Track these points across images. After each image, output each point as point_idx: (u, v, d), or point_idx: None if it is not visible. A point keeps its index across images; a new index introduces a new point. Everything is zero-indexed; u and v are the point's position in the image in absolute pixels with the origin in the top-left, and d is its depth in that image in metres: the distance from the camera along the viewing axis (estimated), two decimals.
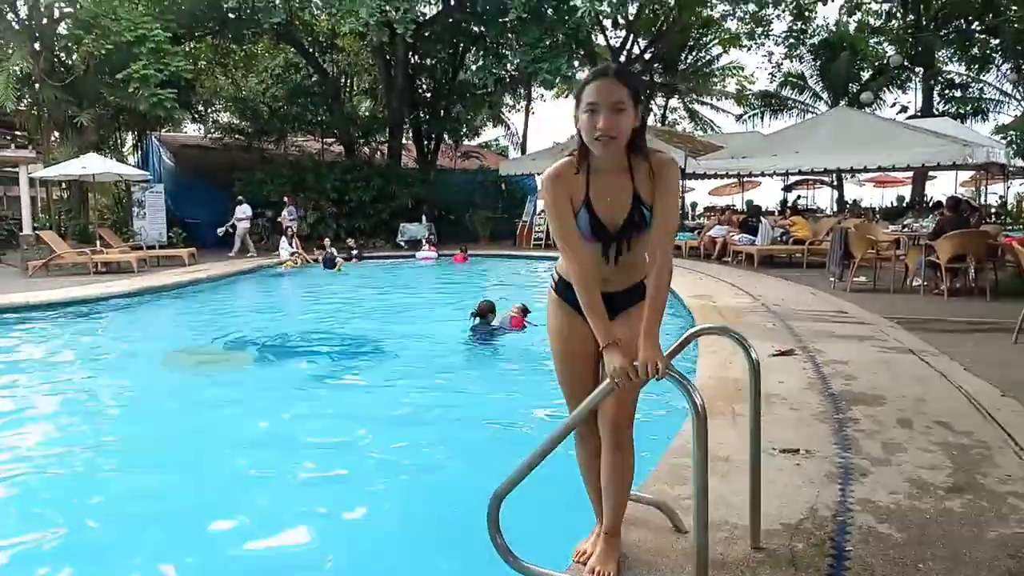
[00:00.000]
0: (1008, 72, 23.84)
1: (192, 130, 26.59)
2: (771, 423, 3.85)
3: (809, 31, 26.33)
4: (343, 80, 24.71)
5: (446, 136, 24.32)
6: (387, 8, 14.79)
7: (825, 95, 26.93)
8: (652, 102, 31.25)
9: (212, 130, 23.08)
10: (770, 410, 4.12)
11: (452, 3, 19.25)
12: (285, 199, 17.76)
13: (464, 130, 27.56)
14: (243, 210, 17.51)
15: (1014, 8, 18.91)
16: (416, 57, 22.74)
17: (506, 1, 15.12)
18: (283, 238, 16.55)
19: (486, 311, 7.46)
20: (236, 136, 22.01)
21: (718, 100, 32.13)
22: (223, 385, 6.21)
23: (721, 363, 5.24)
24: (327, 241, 16.32)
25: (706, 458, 1.97)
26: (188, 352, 7.55)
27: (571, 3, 15.45)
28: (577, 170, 2.15)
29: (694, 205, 27.02)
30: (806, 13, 23.59)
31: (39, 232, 14.79)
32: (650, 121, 30.27)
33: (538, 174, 21.70)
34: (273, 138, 21.99)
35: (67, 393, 5.88)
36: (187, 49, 20.25)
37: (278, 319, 9.72)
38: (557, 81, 18.30)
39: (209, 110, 25.48)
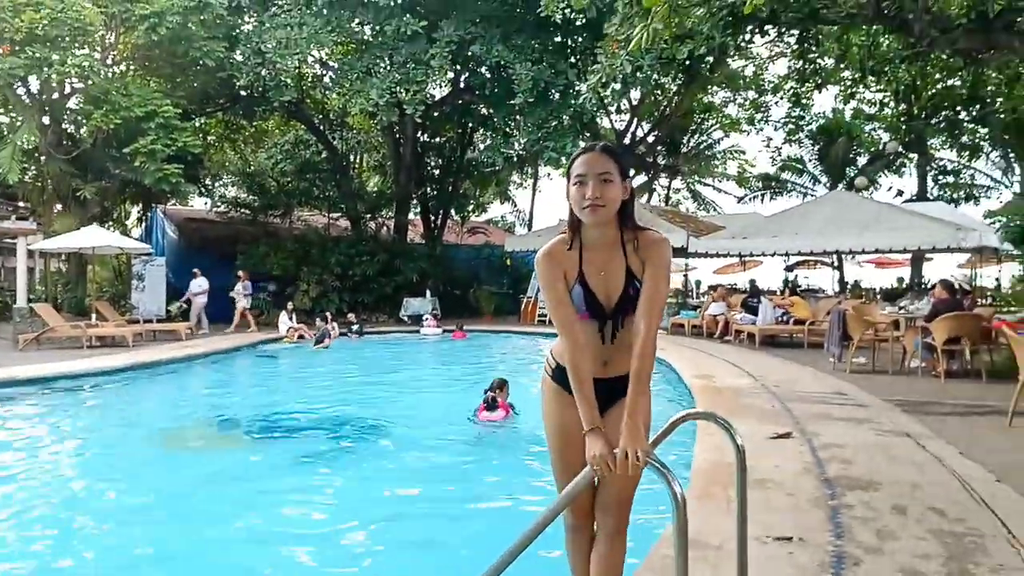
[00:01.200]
0: (997, 159, 24.46)
1: (199, 203, 27.14)
2: (765, 509, 3.81)
3: (807, 117, 27.14)
4: (352, 156, 25.37)
5: (453, 212, 24.75)
6: (397, 90, 15.31)
7: (824, 178, 27.48)
8: (656, 183, 31.93)
9: (218, 203, 23.46)
10: (765, 495, 4.07)
11: (462, 86, 19.96)
12: (239, 274, 17.36)
13: (471, 206, 28.14)
14: (199, 284, 16.95)
15: (999, 100, 19.54)
16: (425, 135, 23.43)
17: (514, 85, 15.64)
18: (283, 313, 16.55)
19: (496, 388, 7.24)
20: (241, 210, 22.34)
21: (720, 182, 32.77)
22: (212, 467, 6.06)
23: (718, 446, 5.18)
24: (328, 315, 16.31)
25: (687, 549, 1.94)
26: (177, 432, 7.40)
27: (576, 88, 16.01)
28: (570, 246, 2.20)
29: (698, 283, 27.20)
30: (803, 100, 24.36)
31: (33, 305, 14.83)
32: (654, 201, 30.88)
33: None
34: (279, 212, 22.34)
35: (44, 474, 5.73)
36: (197, 124, 20.93)
37: (272, 397, 9.55)
38: (562, 160, 18.75)
39: (216, 184, 26.14)
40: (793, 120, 27.25)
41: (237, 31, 17.04)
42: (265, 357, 13.63)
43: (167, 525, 4.63)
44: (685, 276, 22.08)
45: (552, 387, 2.34)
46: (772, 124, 27.88)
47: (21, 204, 18.55)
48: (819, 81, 18.78)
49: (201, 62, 15.73)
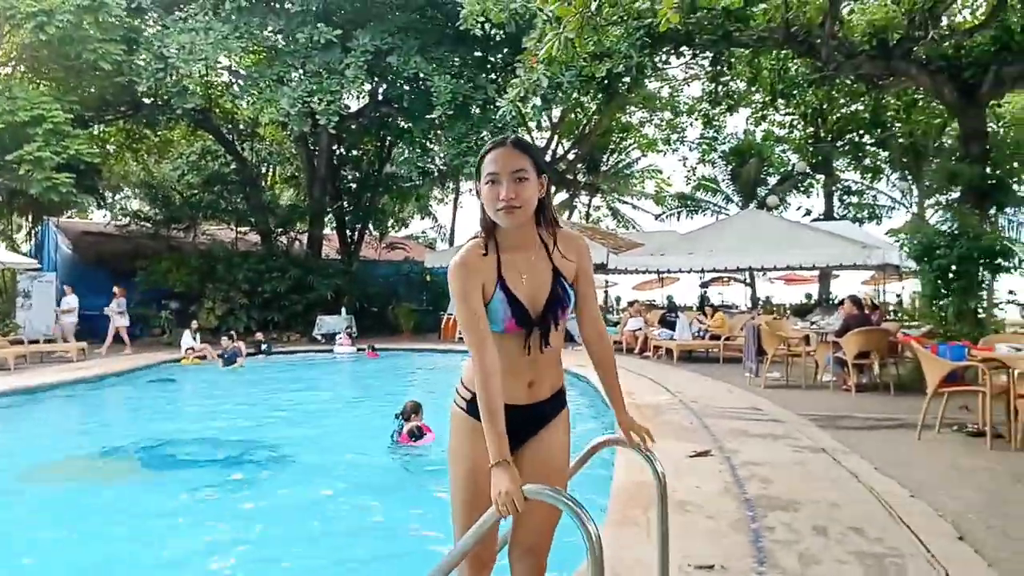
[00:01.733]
0: (897, 181, 25.81)
1: (99, 216, 25.52)
2: (686, 534, 3.59)
3: (720, 138, 27.93)
4: (263, 168, 24.41)
5: (371, 227, 24.13)
6: (310, 99, 14.74)
7: (736, 197, 28.31)
8: (576, 200, 32.17)
9: (118, 216, 22.09)
10: (686, 519, 3.86)
11: (380, 98, 19.52)
12: (115, 291, 16.13)
13: (391, 222, 27.53)
14: (67, 301, 15.80)
15: (898, 124, 20.62)
16: (341, 148, 22.77)
17: (432, 98, 15.32)
18: (186, 331, 15.56)
19: (410, 412, 6.87)
20: (143, 223, 21.09)
21: (638, 200, 33.31)
22: (97, 500, 5.47)
23: (638, 463, 4.97)
24: (233, 334, 15.43)
25: None
26: (59, 464, 6.70)
27: (496, 104, 15.87)
28: (485, 251, 1.95)
29: (618, 299, 27.45)
30: (715, 122, 25.04)
31: None
32: (575, 218, 31.10)
33: None
34: (183, 226, 21.19)
35: None
36: (95, 132, 19.62)
37: (169, 423, 8.78)
38: None
39: (116, 196, 24.56)
40: (707, 141, 27.97)
41: (137, 34, 16.03)
42: (164, 381, 12.69)
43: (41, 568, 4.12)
44: (606, 292, 22.19)
45: (465, 422, 2.04)
46: (687, 144, 28.54)
47: None
48: (732, 103, 19.31)
49: (97, 65, 14.72)
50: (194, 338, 15.26)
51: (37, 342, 14.84)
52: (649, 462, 2.17)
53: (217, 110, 21.17)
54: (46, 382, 10.81)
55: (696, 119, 25.52)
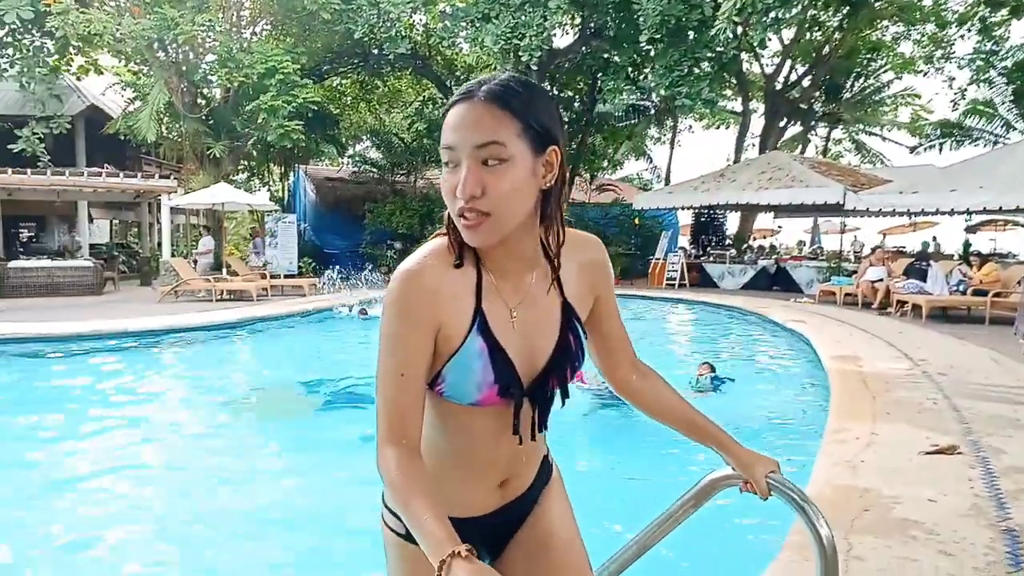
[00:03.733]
0: None
1: (345, 163, 27.93)
2: None
3: (1000, 52, 23.10)
4: None
5: (581, 169, 23.56)
6: (512, 36, 14.31)
7: (1020, 124, 23.46)
8: (813, 132, 28.88)
9: (351, 163, 23.95)
10: (910, 552, 2.81)
11: (588, 32, 18.60)
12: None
13: (605, 163, 26.77)
14: (204, 243, 16.42)
15: None
16: (553, 88, 22.29)
17: (639, 22, 14.11)
18: None
19: None
20: (371, 169, 22.59)
21: (888, 130, 29.11)
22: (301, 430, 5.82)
23: (849, 462, 3.91)
24: None
25: None
26: (266, 391, 7.23)
27: (712, 24, 14.25)
28: (459, 260, 1.12)
29: (862, 246, 24.24)
30: (995, 31, 20.62)
31: (171, 259, 15.61)
32: (810, 152, 27.93)
33: (677, 207, 20.41)
34: (404, 171, 22.35)
35: (126, 428, 5.77)
36: (332, 84, 21.10)
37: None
38: (698, 106, 16.95)
39: (355, 144, 26.74)
40: (982, 56, 23.23)
41: None
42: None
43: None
44: (841, 237, 19.67)
45: (402, 549, 1.23)
46: (955, 62, 24.03)
47: (164, 161, 19.57)
48: (1018, 2, 15.54)
49: (319, 16, 15.58)
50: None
51: (277, 277, 16.46)
52: (805, 518, 1.29)
53: (438, 57, 21.80)
54: (273, 313, 11.85)
55: (969, 29, 21.24)
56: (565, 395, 1.19)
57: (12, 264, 15.77)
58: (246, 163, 21.41)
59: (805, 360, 8.14)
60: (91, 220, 21.29)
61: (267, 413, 6.50)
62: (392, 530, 1.24)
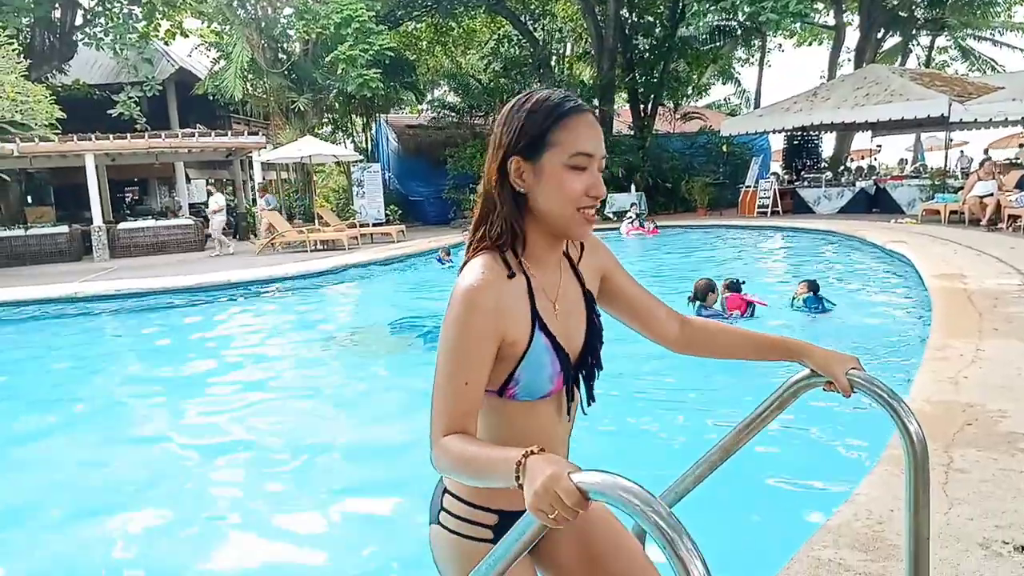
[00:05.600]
0: None
1: (425, 109, 28.01)
2: (1009, 490, 2.53)
3: None
4: (554, 47, 24.27)
5: (664, 98, 22.81)
6: None
7: None
8: (915, 42, 26.79)
9: (430, 109, 23.96)
10: (1018, 464, 2.73)
11: None
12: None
13: (688, 91, 25.80)
14: (215, 201, 16.14)
15: None
16: (633, 14, 21.53)
17: None
18: None
19: (705, 291, 6.22)
20: (449, 113, 22.57)
21: (1002, 34, 26.61)
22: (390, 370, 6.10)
23: (951, 378, 3.79)
24: None
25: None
26: (366, 331, 7.63)
27: None
28: (510, 270, 1.19)
29: (970, 160, 22.54)
30: None
31: (267, 213, 16.26)
32: (911, 63, 26.00)
33: (767, 131, 19.54)
34: (483, 113, 22.23)
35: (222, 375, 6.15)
36: (408, 30, 21.06)
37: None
38: (785, 21, 16.00)
39: (433, 90, 26.72)
40: None
41: None
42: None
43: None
44: (947, 153, 18.39)
45: (462, 544, 1.28)
46: None
47: (251, 119, 20.21)
48: None
49: None
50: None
51: (366, 225, 16.94)
52: (892, 413, 1.30)
53: None
54: (363, 260, 12.26)
55: None
56: (600, 368, 1.32)
57: (121, 226, 16.90)
58: (329, 116, 21.84)
59: (906, 281, 7.81)
60: (188, 180, 22.44)
61: (367, 352, 6.85)
62: (449, 528, 1.29)
